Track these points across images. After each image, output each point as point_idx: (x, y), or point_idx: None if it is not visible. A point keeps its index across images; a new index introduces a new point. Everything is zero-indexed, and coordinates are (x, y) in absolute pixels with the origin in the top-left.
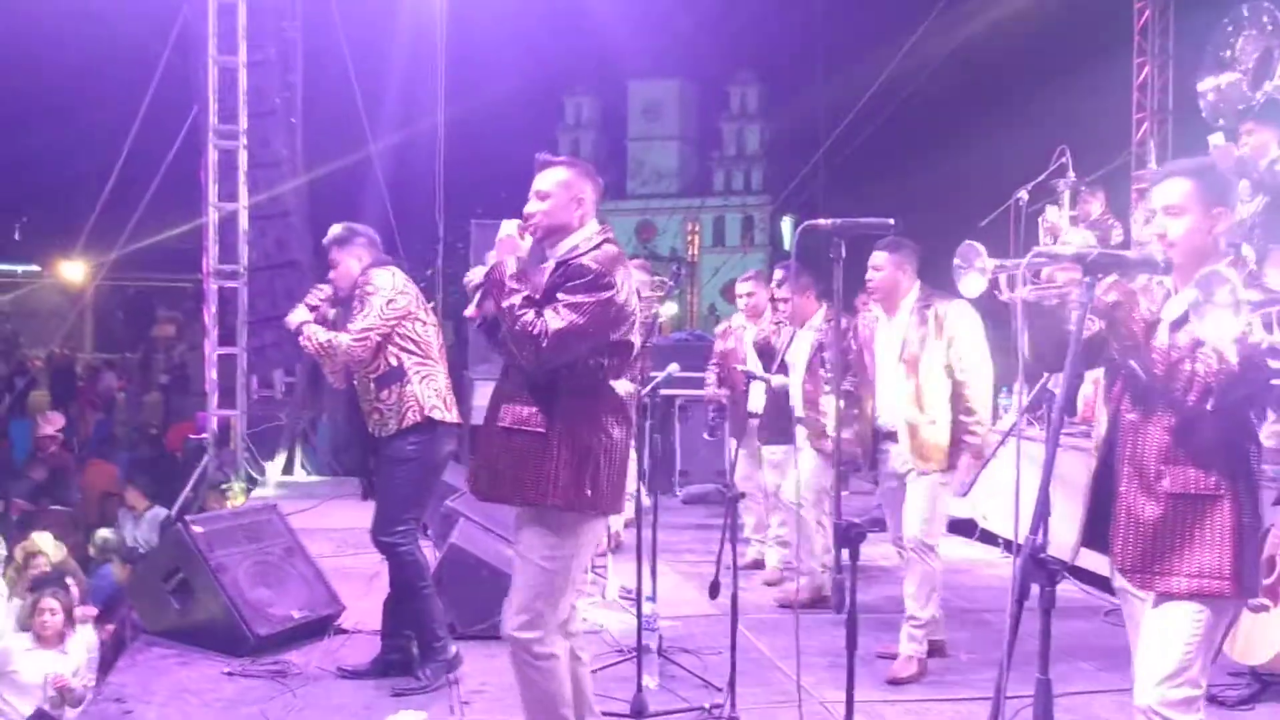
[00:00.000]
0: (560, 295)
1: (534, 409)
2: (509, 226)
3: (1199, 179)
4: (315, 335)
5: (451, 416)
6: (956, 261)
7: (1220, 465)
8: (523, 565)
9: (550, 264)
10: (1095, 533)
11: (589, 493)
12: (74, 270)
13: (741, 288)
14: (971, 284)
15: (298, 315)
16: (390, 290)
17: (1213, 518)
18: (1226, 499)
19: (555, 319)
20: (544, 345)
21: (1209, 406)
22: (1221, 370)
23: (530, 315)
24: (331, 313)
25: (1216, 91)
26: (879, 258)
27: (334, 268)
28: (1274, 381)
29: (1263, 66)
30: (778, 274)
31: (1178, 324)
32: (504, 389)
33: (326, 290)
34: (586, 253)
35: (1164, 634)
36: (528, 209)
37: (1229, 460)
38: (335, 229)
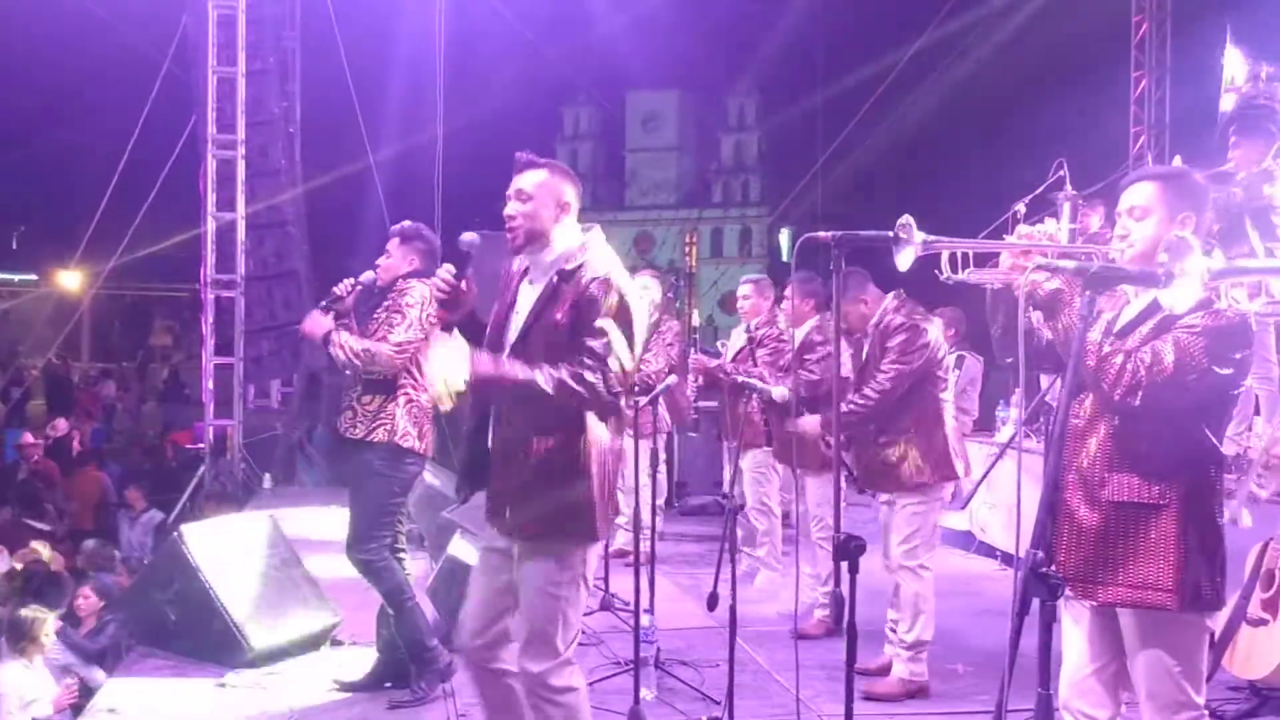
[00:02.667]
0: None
1: (564, 436)
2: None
3: (1165, 182)
4: (349, 344)
5: (420, 447)
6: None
7: (1164, 474)
8: (535, 598)
9: (552, 277)
10: None
11: (613, 515)
12: (71, 279)
13: (741, 289)
14: (904, 258)
15: (320, 325)
16: (426, 305)
17: (1155, 528)
18: (1171, 509)
19: (610, 359)
20: (612, 390)
21: (1136, 403)
22: (1154, 368)
23: (577, 381)
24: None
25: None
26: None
27: (385, 256)
28: (1233, 391)
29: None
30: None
31: (1130, 327)
32: (515, 419)
33: (347, 283)
34: (600, 269)
35: (1150, 665)
36: (508, 210)
37: (1175, 470)
38: (407, 223)
